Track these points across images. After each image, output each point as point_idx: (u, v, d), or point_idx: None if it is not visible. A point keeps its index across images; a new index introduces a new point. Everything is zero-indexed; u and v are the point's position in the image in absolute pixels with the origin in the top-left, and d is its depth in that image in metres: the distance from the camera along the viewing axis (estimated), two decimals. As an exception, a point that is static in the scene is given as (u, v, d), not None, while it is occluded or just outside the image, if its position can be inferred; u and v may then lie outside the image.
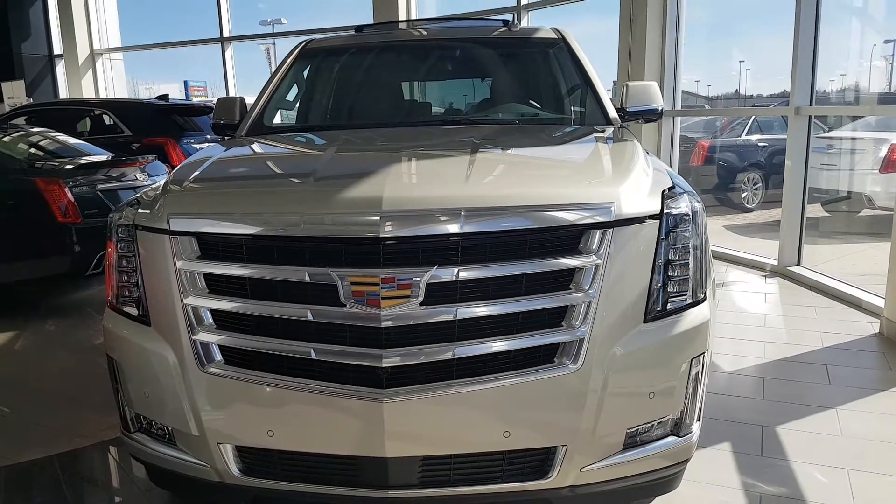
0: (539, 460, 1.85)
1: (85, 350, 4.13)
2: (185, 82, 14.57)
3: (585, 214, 1.79)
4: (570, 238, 1.80)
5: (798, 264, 5.39)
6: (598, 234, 1.79)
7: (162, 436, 2.03)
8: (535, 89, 3.46)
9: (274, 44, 11.91)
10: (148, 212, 2.01)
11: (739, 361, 3.59)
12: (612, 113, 3.01)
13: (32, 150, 5.38)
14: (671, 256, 1.89)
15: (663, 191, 1.96)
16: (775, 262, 5.48)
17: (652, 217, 1.87)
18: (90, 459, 2.80)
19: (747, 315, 4.46)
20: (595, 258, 1.78)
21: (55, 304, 5.23)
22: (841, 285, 4.78)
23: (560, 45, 3.40)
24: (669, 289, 1.89)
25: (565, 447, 1.81)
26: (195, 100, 11.07)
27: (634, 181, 1.94)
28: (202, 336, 1.86)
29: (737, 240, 7.40)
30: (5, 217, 4.65)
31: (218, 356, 1.87)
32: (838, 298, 4.66)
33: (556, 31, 3.48)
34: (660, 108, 3.11)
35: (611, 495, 1.97)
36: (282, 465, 1.90)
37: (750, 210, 9.10)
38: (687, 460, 2.03)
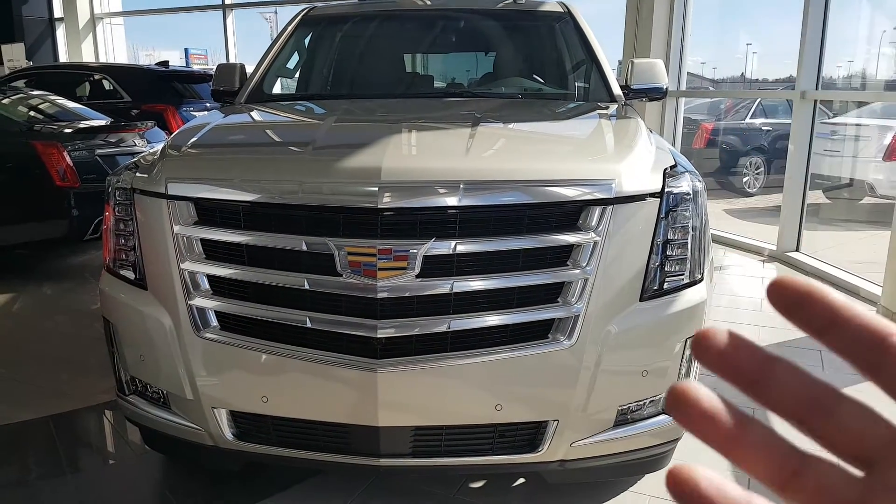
0: (530, 434, 1.86)
1: (82, 314, 4.14)
2: (186, 49, 14.43)
3: (586, 190, 1.78)
4: (570, 214, 1.80)
5: (797, 250, 5.38)
6: (597, 210, 1.78)
7: (157, 399, 2.04)
8: (539, 63, 3.42)
9: (276, 12, 11.76)
10: (146, 176, 2.00)
11: (734, 344, 3.60)
12: (617, 90, 2.98)
13: (32, 114, 5.33)
14: (670, 235, 1.88)
15: (665, 169, 1.94)
16: (774, 248, 5.47)
17: (653, 195, 1.85)
18: (85, 421, 2.82)
19: (743, 299, 4.46)
20: (594, 235, 1.77)
21: (53, 268, 5.22)
22: (839, 272, 4.78)
23: (566, 19, 3.36)
24: (667, 268, 1.88)
25: (556, 422, 1.82)
26: (196, 67, 10.95)
27: (636, 159, 1.93)
28: (198, 301, 1.86)
29: (736, 224, 7.38)
30: (3, 180, 4.63)
31: (214, 322, 1.87)
32: (836, 285, 4.66)
33: (562, 4, 3.43)
34: (664, 87, 3.07)
35: (600, 471, 2.00)
36: (275, 431, 1.91)
37: (751, 194, 9.06)
38: (677, 440, 2.04)
